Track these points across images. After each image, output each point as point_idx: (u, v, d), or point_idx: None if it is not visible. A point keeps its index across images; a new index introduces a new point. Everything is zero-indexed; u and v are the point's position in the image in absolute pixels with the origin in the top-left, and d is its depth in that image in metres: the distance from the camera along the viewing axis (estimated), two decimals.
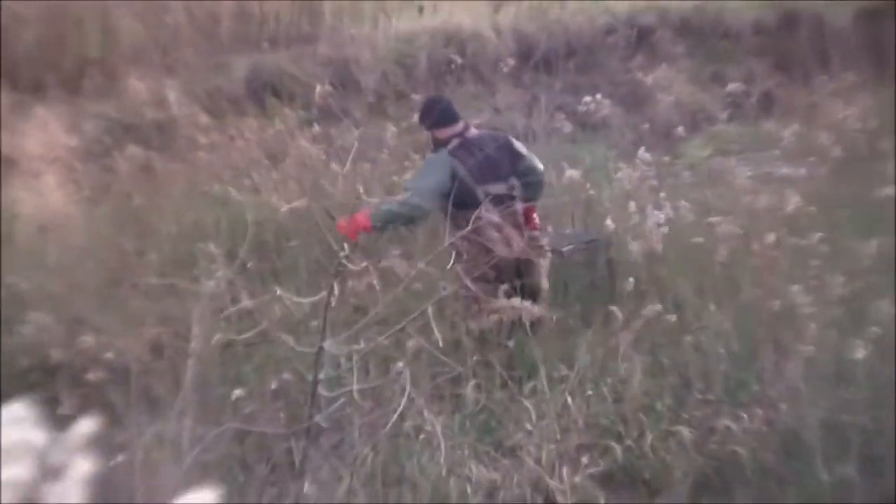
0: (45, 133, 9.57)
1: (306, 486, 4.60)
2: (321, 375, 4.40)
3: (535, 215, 6.38)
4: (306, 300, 4.94)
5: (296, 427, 4.93)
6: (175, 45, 12.28)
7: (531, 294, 5.99)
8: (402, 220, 5.93)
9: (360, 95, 11.79)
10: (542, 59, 13.13)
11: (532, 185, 6.26)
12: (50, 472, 1.73)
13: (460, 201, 5.49)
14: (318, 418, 4.48)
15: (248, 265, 6.75)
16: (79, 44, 11.47)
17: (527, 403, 5.29)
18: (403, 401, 4.58)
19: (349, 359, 4.70)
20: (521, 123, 11.70)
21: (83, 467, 1.76)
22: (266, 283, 6.90)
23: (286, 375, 5.48)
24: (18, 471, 1.69)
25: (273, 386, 5.49)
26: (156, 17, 12.39)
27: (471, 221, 4.95)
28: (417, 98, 11.06)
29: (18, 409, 1.76)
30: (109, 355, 5.93)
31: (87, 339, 6.34)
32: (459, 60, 12.60)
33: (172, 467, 4.24)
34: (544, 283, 6.32)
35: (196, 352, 4.75)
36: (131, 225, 8.43)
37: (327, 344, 4.36)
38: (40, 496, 1.69)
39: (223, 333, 5.66)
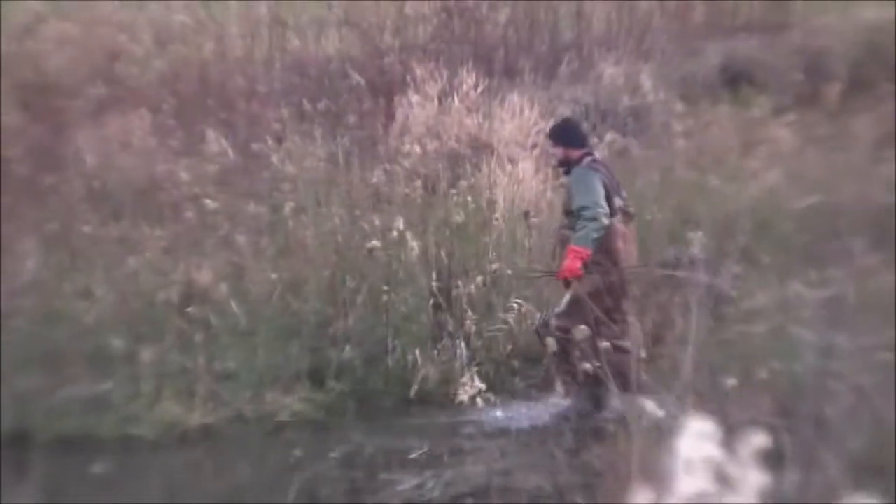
0: (520, 118, 9.37)
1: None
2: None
3: None
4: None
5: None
6: (648, 30, 11.95)
7: None
8: (601, 236, 6.13)
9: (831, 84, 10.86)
10: None
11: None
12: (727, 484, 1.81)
13: None
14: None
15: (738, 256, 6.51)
16: (553, 28, 11.37)
17: None
18: None
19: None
20: None
21: (756, 480, 1.85)
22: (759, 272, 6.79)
23: (776, 364, 5.31)
24: (699, 484, 1.79)
25: (763, 376, 5.27)
26: (629, 1, 12.17)
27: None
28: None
29: (701, 426, 1.87)
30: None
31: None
32: None
33: None
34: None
35: (695, 341, 4.85)
36: None
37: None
38: None
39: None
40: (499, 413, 6.46)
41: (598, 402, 6.14)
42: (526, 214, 7.74)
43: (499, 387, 6.65)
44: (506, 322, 7.10)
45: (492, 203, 8.14)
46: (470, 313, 7.07)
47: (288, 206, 8.06)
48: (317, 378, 6.98)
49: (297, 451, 6.13)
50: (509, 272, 7.36)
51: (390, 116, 9.33)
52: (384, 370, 6.98)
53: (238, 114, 9.35)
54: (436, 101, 9.32)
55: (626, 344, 6.05)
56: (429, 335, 7.09)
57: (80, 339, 6.90)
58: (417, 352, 6.89)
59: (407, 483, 5.44)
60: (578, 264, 5.98)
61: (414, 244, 7.52)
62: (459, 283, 7.37)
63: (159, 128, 9.21)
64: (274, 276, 7.51)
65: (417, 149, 8.79)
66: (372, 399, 6.85)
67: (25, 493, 3.22)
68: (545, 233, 7.74)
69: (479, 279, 7.31)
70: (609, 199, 6.12)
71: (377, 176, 8.57)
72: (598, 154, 6.64)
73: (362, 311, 7.31)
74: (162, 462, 6.14)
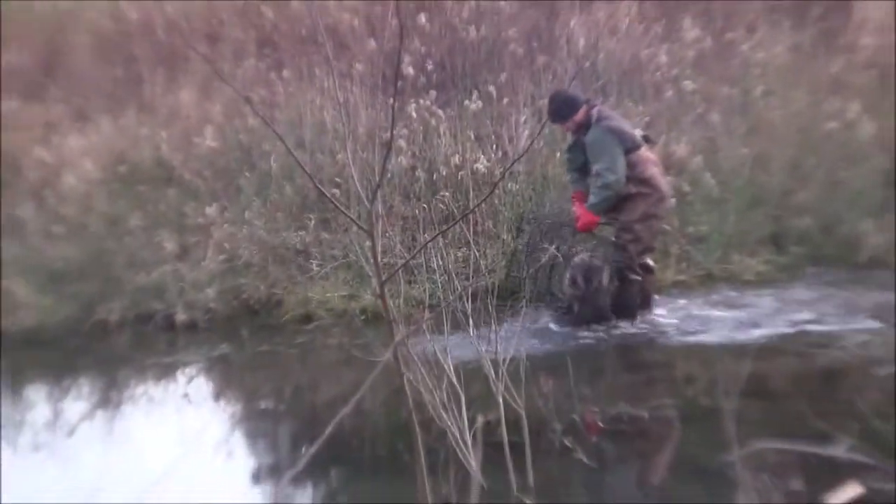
0: None
1: None
2: None
3: None
4: None
5: None
6: None
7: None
8: (613, 199, 6.47)
9: None
10: None
11: None
12: None
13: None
14: None
15: None
16: None
17: None
18: None
19: None
20: None
21: None
22: None
23: None
24: None
25: None
26: None
27: (635, 164, 6.40)
28: None
29: None
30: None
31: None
32: None
33: None
34: None
35: None
36: None
37: None
38: None
39: None
40: None
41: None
42: None
43: None
44: None
45: None
46: None
47: (757, 90, 8.72)
48: (778, 243, 7.71)
49: (759, 309, 6.74)
50: None
51: (850, 11, 9.57)
52: (837, 238, 7.62)
53: (714, 4, 9.85)
54: None
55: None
56: (879, 208, 7.63)
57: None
58: (868, 222, 7.56)
59: (850, 339, 5.82)
60: (595, 223, 6.56)
61: (868, 126, 8.12)
62: None
63: (643, 15, 9.79)
64: (744, 151, 8.16)
65: (874, 41, 9.09)
66: (825, 263, 7.49)
67: None
68: None
69: None
70: (626, 145, 6.43)
71: (837, 64, 9.04)
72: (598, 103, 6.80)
73: (820, 185, 7.94)
74: None
